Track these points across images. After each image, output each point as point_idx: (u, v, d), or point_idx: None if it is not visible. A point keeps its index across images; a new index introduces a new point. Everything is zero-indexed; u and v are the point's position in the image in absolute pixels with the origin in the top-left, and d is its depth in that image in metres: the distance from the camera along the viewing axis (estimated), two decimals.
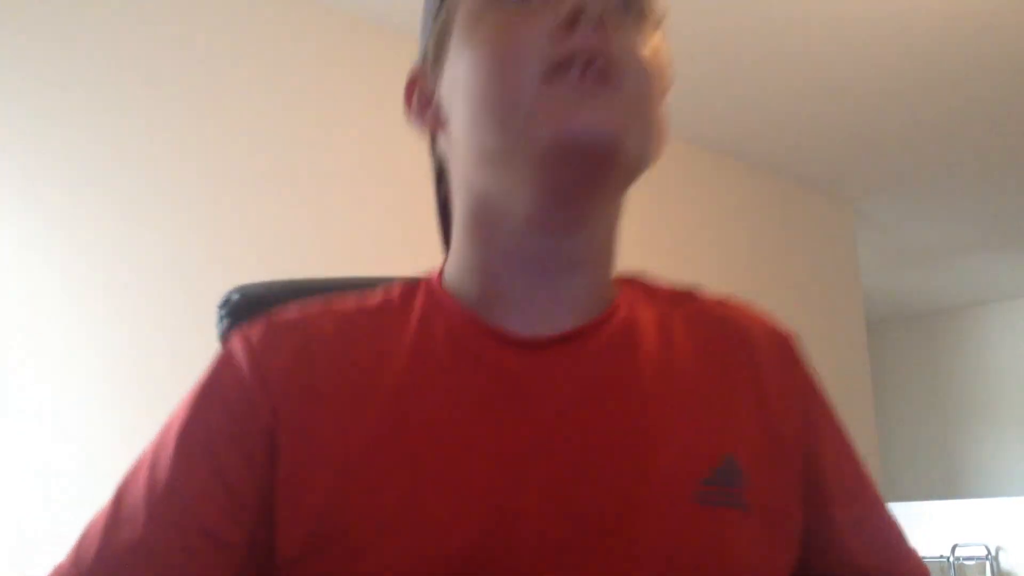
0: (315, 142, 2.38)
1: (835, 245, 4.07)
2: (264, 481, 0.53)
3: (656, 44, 0.57)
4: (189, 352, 2.05)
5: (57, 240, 1.92)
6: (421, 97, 0.63)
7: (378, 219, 2.42)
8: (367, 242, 2.36)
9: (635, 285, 0.66)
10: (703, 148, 3.50)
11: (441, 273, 0.63)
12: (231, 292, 0.75)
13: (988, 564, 5.51)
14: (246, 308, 0.72)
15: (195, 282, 2.09)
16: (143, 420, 1.94)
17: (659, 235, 3.26)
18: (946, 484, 6.15)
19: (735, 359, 0.61)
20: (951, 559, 5.60)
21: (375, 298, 0.61)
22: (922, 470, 6.27)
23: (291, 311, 0.60)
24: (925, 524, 5.76)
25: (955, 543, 5.61)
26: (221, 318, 0.74)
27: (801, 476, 0.60)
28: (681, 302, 0.65)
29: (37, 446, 1.80)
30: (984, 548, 5.54)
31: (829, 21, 2.65)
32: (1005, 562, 5.52)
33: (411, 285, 0.63)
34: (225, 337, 0.70)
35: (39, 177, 1.92)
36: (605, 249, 0.61)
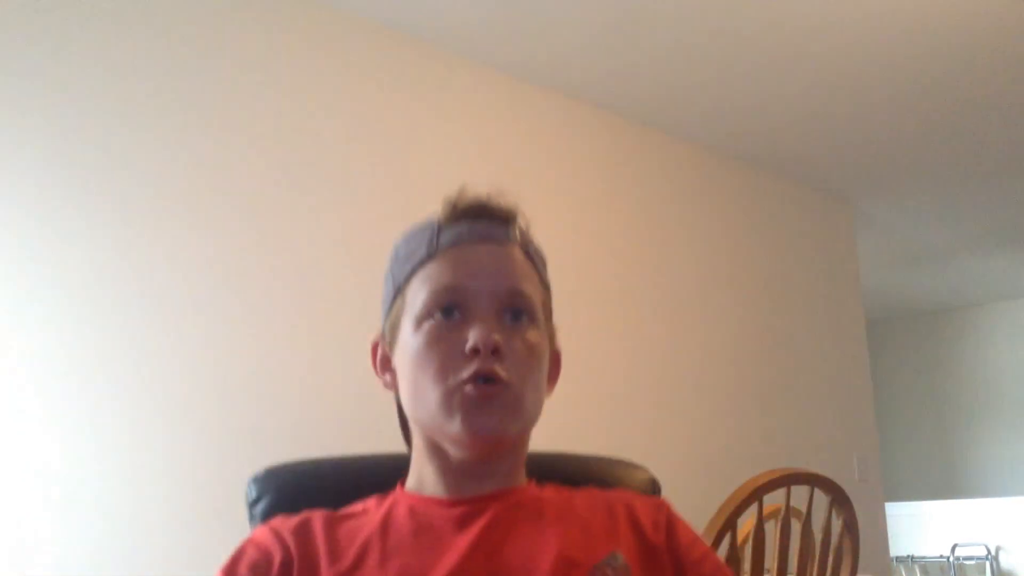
0: (319, 142, 2.38)
1: (835, 245, 4.08)
2: None
3: (534, 339, 0.84)
4: (190, 352, 2.05)
5: (57, 240, 1.92)
6: (382, 358, 0.90)
7: (379, 219, 2.42)
8: (368, 240, 2.36)
9: (546, 481, 0.91)
10: (704, 148, 3.51)
11: (404, 482, 0.89)
12: (258, 474, 0.95)
13: (988, 564, 5.51)
14: (274, 485, 0.94)
15: (197, 283, 2.09)
16: (145, 420, 1.95)
17: (659, 235, 3.26)
18: (946, 484, 6.15)
19: (617, 509, 0.86)
20: (951, 559, 5.60)
21: (358, 507, 0.87)
22: (922, 470, 6.27)
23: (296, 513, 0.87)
24: (925, 524, 5.77)
25: (955, 543, 5.61)
26: (252, 492, 0.94)
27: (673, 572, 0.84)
28: (580, 487, 0.91)
29: (37, 446, 1.80)
30: (984, 548, 5.54)
31: (829, 22, 2.66)
32: (1005, 562, 5.52)
33: (384, 496, 0.88)
34: (252, 513, 0.95)
35: (37, 179, 1.92)
36: (517, 457, 0.88)
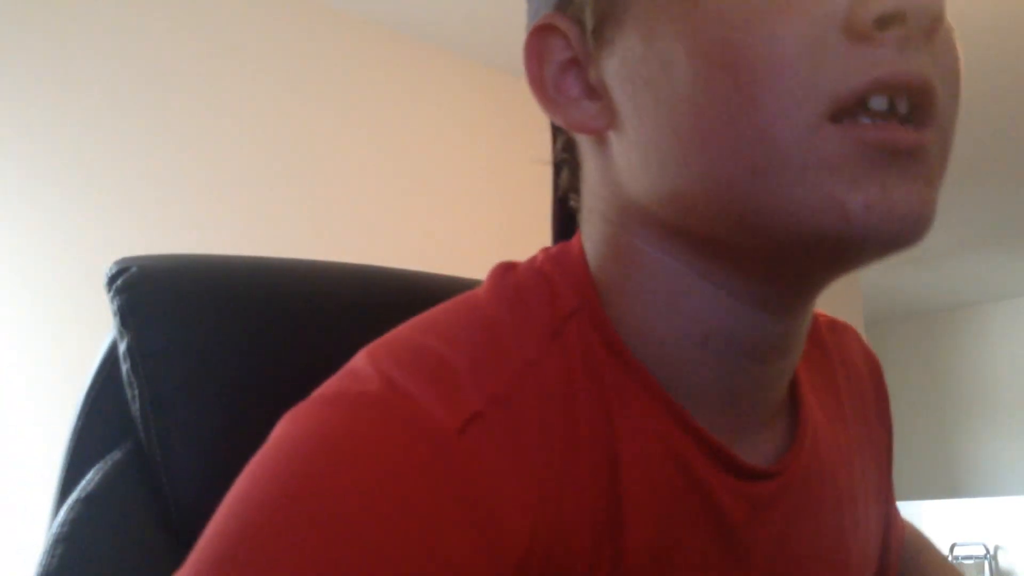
0: (316, 139, 2.38)
1: None
2: None
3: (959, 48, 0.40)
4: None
5: (53, 244, 1.92)
6: (565, 62, 0.44)
7: (377, 216, 2.42)
8: (367, 238, 2.36)
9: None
10: None
11: (597, 312, 0.42)
12: (125, 263, 0.54)
13: (987, 563, 5.51)
14: (144, 282, 0.53)
15: None
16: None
17: None
18: (945, 483, 6.16)
19: (855, 402, 0.56)
20: (950, 558, 5.60)
21: (527, 346, 0.40)
22: (921, 469, 6.27)
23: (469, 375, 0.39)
24: (923, 523, 5.77)
25: (954, 542, 5.61)
26: (117, 293, 0.53)
27: None
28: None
29: None
30: (983, 547, 5.54)
31: None
32: (1004, 561, 5.53)
33: (560, 319, 0.42)
34: (122, 316, 0.51)
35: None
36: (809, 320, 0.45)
